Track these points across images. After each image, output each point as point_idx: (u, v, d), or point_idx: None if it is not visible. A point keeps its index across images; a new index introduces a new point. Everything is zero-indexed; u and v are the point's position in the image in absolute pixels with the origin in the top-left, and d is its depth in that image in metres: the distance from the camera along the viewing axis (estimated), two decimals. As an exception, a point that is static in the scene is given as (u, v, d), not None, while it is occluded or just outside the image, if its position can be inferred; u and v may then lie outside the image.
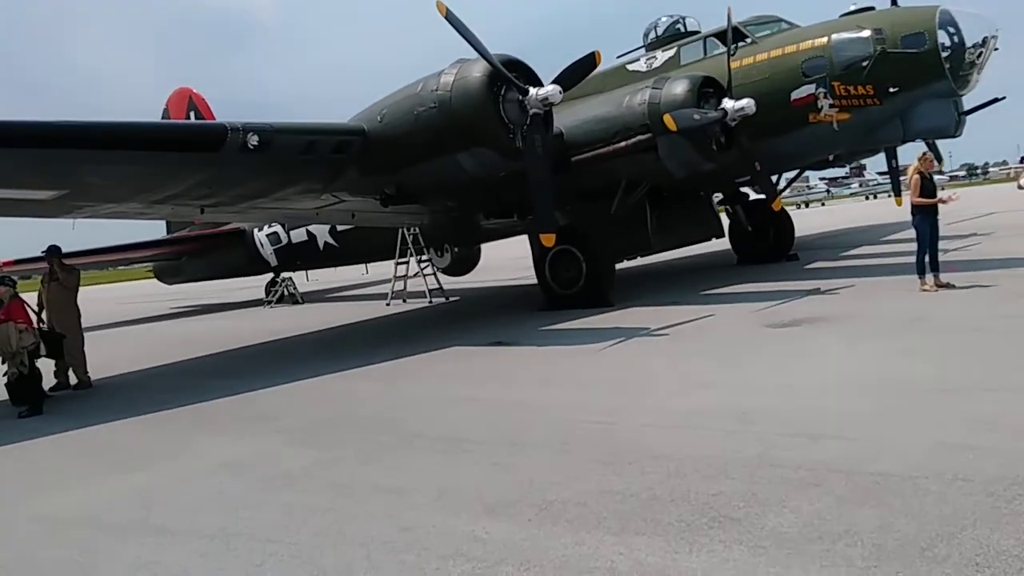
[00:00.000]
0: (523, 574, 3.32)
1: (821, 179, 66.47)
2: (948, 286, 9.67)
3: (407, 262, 17.12)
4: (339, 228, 17.36)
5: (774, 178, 14.31)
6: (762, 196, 15.12)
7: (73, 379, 9.97)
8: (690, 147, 11.32)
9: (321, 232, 18.12)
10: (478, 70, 9.63)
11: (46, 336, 9.17)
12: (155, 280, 24.49)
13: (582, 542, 3.55)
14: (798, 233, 16.68)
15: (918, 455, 4.12)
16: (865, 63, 11.86)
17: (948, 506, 3.48)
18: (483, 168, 10.08)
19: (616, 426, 5.31)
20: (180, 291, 26.20)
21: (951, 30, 11.41)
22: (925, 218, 9.81)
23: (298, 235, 18.78)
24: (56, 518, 4.81)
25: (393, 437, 5.73)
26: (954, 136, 12.38)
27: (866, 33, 11.92)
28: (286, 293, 20.65)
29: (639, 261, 15.64)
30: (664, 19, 14.86)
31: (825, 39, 12.31)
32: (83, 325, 10.32)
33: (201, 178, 9.78)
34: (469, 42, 9.48)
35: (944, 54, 11.39)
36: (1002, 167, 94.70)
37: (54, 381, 9.84)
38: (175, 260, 21.89)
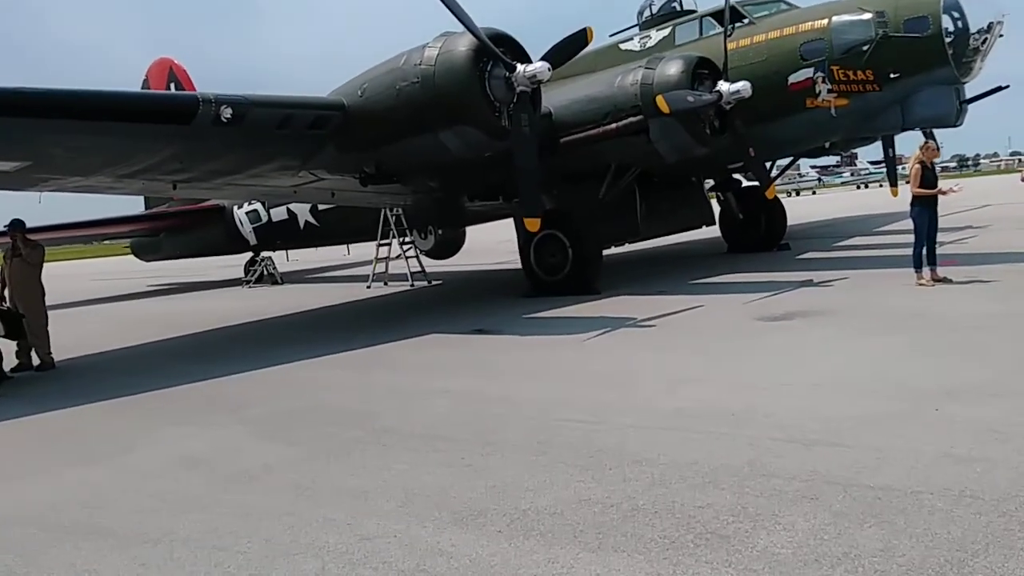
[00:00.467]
0: (489, 598, 3.01)
1: (812, 167, 66.18)
2: (945, 280, 9.40)
3: (389, 244, 16.74)
4: (320, 207, 16.90)
5: (767, 165, 14.01)
6: (754, 183, 14.83)
7: (36, 360, 9.56)
8: (683, 130, 11.00)
9: (302, 211, 17.62)
10: (464, 44, 9.21)
11: (5, 316, 8.75)
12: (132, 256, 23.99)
13: (556, 559, 3.25)
14: (789, 222, 16.39)
15: (921, 467, 3.82)
16: (866, 47, 11.48)
17: (956, 527, 3.18)
18: (467, 147, 9.69)
19: (598, 426, 5.00)
20: (160, 268, 25.69)
21: (955, 15, 11.03)
22: (924, 210, 9.51)
23: (278, 213, 18.26)
24: (-4, 516, 4.48)
25: (363, 431, 5.44)
26: (955, 125, 12.04)
27: (867, 16, 11.52)
28: (265, 273, 20.21)
29: (627, 247, 15.33)
30: (660, -3, 14.43)
31: (825, 21, 11.93)
32: (54, 302, 9.92)
33: (172, 152, 9.35)
34: (454, 13, 9.05)
35: (947, 39, 11.02)
36: (992, 159, 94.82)
37: (16, 362, 9.43)
38: (153, 237, 21.35)
